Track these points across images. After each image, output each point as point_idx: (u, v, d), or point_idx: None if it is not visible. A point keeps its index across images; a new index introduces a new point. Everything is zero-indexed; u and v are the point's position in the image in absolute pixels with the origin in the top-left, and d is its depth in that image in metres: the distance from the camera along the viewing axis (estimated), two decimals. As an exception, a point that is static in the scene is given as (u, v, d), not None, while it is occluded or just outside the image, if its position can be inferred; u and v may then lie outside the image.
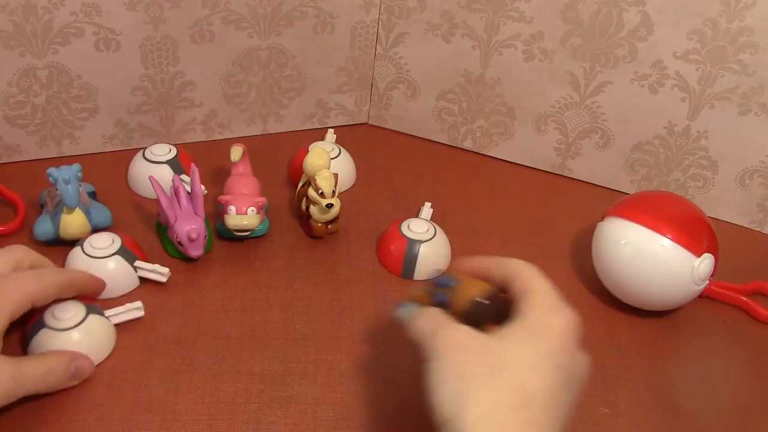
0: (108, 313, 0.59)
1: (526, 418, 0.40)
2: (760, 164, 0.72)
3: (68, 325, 0.55)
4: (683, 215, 0.62)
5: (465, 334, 0.45)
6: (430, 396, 0.42)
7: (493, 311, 0.48)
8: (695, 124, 0.73)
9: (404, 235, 0.67)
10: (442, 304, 0.50)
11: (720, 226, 0.75)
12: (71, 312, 0.56)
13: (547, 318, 0.44)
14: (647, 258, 0.60)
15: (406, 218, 0.69)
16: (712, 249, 0.61)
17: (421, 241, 0.66)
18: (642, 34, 0.70)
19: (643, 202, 0.64)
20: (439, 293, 0.51)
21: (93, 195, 0.71)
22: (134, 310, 0.60)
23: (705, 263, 0.60)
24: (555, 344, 0.43)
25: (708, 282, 0.62)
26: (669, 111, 0.73)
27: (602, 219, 0.65)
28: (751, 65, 0.68)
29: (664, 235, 0.60)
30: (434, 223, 0.69)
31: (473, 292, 0.48)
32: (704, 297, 0.65)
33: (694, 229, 0.61)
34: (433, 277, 0.54)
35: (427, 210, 0.72)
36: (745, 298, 0.66)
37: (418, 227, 0.67)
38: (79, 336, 0.55)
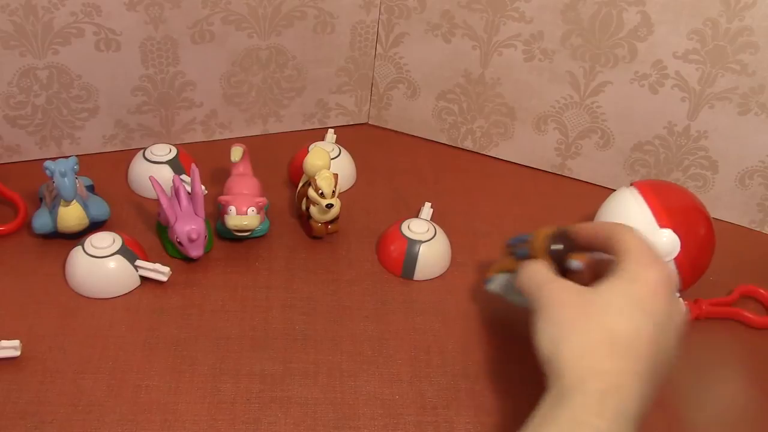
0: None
1: (614, 351, 0.45)
2: (760, 164, 0.72)
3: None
4: (683, 201, 0.63)
5: (564, 288, 0.50)
6: (534, 339, 0.49)
7: (566, 248, 0.55)
8: (695, 124, 0.73)
9: (404, 236, 0.67)
10: (525, 257, 0.56)
11: (720, 226, 0.75)
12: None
13: (639, 270, 0.49)
14: (612, 206, 0.65)
15: (406, 218, 0.69)
16: (692, 241, 0.61)
17: (422, 242, 0.66)
18: (642, 34, 0.70)
19: (663, 183, 0.67)
20: (518, 250, 0.58)
21: (91, 188, 0.71)
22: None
23: (665, 239, 0.60)
24: (645, 292, 0.48)
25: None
26: (669, 111, 0.73)
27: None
28: (751, 65, 0.68)
29: (645, 197, 0.62)
30: (434, 224, 0.69)
31: (545, 238, 0.55)
32: (702, 319, 0.65)
33: (678, 209, 0.62)
34: (508, 240, 0.61)
35: (427, 210, 0.72)
36: (735, 309, 0.66)
37: (419, 227, 0.68)
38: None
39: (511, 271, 0.58)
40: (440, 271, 0.68)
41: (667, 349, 0.47)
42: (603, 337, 0.46)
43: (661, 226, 0.61)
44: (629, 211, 0.63)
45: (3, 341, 0.56)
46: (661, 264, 0.49)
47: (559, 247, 0.54)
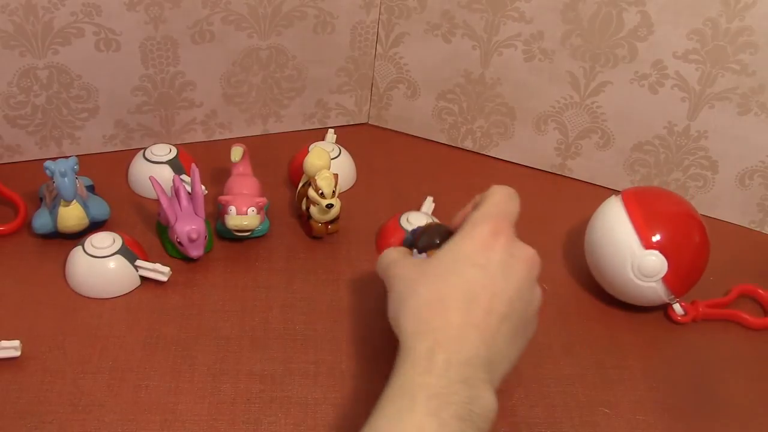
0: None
1: (444, 308, 0.47)
2: (760, 164, 0.72)
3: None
4: (672, 209, 0.62)
5: (405, 264, 0.52)
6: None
7: (439, 236, 0.55)
8: (695, 124, 0.73)
9: (403, 228, 0.67)
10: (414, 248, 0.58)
11: (720, 226, 0.75)
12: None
13: (470, 229, 0.50)
14: (599, 222, 0.63)
15: (406, 211, 0.70)
16: (684, 252, 0.61)
17: None
18: (642, 34, 0.70)
19: (652, 191, 0.65)
20: (410, 240, 0.59)
21: (91, 188, 0.71)
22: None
23: (650, 259, 0.60)
24: (474, 247, 0.49)
25: (661, 281, 0.61)
26: (669, 111, 0.73)
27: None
28: (751, 65, 0.68)
29: (630, 213, 0.61)
30: (434, 218, 0.69)
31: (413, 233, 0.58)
32: (699, 321, 0.65)
33: (666, 220, 0.61)
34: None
35: (429, 204, 0.73)
36: (733, 311, 0.66)
37: (417, 220, 0.68)
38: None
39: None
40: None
41: (512, 295, 0.48)
42: (433, 297, 0.48)
43: (647, 246, 0.60)
44: (614, 230, 0.62)
45: (3, 341, 0.56)
46: (491, 217, 0.51)
47: (433, 241, 0.56)
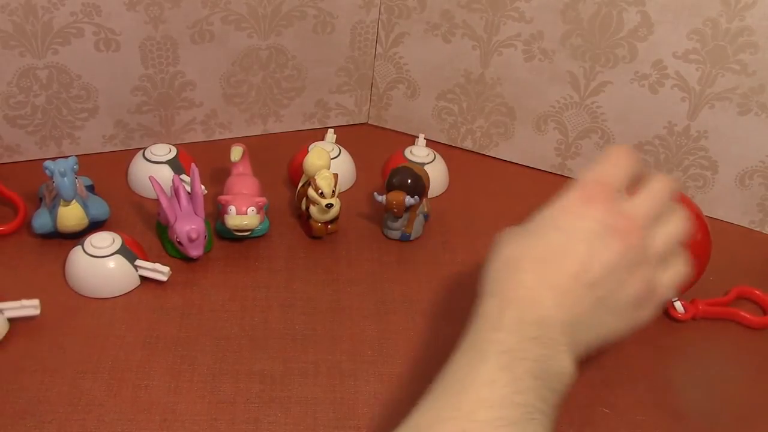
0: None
1: (518, 268, 0.47)
2: (760, 164, 0.72)
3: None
4: None
5: (506, 232, 0.51)
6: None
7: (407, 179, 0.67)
8: (695, 124, 0.73)
9: (408, 159, 0.76)
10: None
11: (720, 226, 0.75)
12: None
13: (566, 192, 0.50)
14: None
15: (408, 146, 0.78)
16: (687, 248, 0.60)
17: (424, 164, 0.75)
18: (642, 34, 0.70)
19: None
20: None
21: (91, 188, 0.71)
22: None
23: None
24: (560, 211, 0.49)
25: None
26: (669, 111, 0.73)
27: None
28: (751, 65, 0.68)
29: None
30: (431, 149, 0.78)
31: None
32: (698, 319, 0.65)
33: None
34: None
35: (421, 140, 0.79)
36: (732, 309, 0.66)
37: (420, 152, 0.77)
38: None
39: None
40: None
41: (597, 267, 0.46)
42: (510, 257, 0.48)
43: None
44: None
45: (23, 300, 0.57)
46: (586, 183, 0.50)
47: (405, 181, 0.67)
